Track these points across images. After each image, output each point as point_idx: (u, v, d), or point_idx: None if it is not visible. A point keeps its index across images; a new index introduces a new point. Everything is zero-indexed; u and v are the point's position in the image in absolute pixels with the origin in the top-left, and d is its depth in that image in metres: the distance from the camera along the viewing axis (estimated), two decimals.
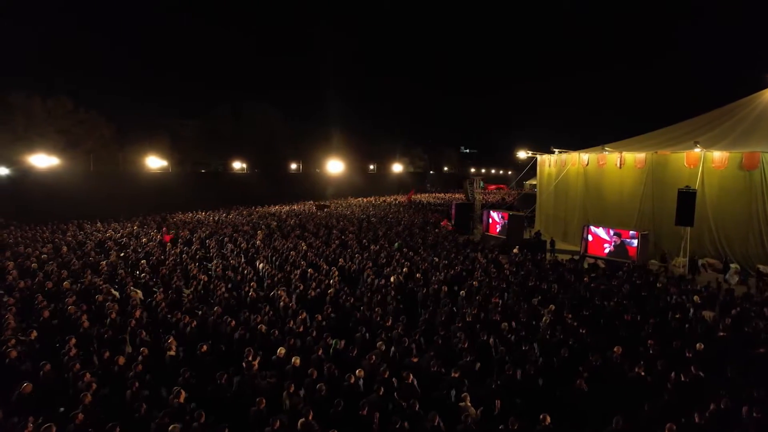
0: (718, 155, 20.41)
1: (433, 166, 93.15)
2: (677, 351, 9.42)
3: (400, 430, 6.59)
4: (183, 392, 7.27)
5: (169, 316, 11.51)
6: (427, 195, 62.61)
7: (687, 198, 18.29)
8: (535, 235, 25.32)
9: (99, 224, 26.57)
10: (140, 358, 8.73)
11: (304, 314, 11.37)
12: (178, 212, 33.16)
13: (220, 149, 53.13)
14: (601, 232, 21.06)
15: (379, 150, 73.87)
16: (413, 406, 7.15)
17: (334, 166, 57.11)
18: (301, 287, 13.88)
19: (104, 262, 16.75)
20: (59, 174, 33.81)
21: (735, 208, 20.12)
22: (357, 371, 8.19)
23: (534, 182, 38.76)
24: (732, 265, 18.93)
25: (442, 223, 30.96)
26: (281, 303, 12.45)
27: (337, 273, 15.90)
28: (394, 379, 8.11)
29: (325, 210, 37.86)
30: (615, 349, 9.22)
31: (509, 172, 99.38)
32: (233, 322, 10.78)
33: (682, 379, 8.06)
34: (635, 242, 19.61)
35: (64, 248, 19.20)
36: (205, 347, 9.20)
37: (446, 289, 13.93)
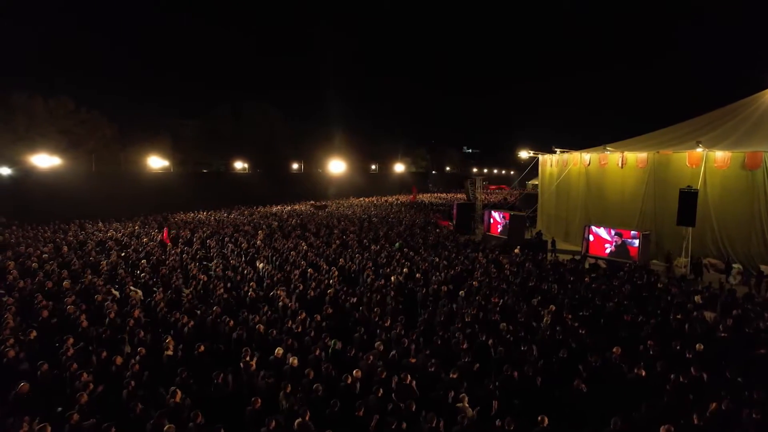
0: (720, 155, 20.30)
1: (435, 166, 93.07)
2: (677, 352, 9.36)
3: (397, 431, 6.55)
4: (179, 392, 7.25)
5: (168, 315, 11.51)
6: (429, 195, 62.59)
7: (689, 198, 18.20)
8: (537, 235, 25.27)
9: (100, 224, 26.61)
10: (138, 357, 8.72)
11: (304, 314, 11.35)
12: (179, 212, 33.20)
13: (221, 149, 53.18)
14: (602, 232, 20.98)
15: (381, 150, 73.82)
16: (410, 406, 7.11)
17: (336, 166, 57.10)
18: (301, 287, 13.86)
19: (104, 262, 16.77)
20: (61, 174, 33.92)
21: (737, 207, 20.01)
22: (354, 372, 8.16)
23: (536, 182, 38.63)
24: (734, 266, 18.84)
25: (441, 223, 30.93)
26: (280, 303, 12.43)
27: (336, 273, 15.88)
28: (392, 379, 8.07)
29: (327, 210, 37.82)
30: (614, 350, 9.17)
31: (511, 172, 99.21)
32: (231, 322, 10.76)
33: (682, 380, 8.00)
34: (636, 242, 19.53)
35: (65, 248, 19.23)
36: (202, 347, 9.17)
37: (446, 289, 13.89)
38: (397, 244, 21.50)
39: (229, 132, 53.81)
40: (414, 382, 8.04)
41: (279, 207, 40.91)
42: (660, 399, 7.58)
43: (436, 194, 64.92)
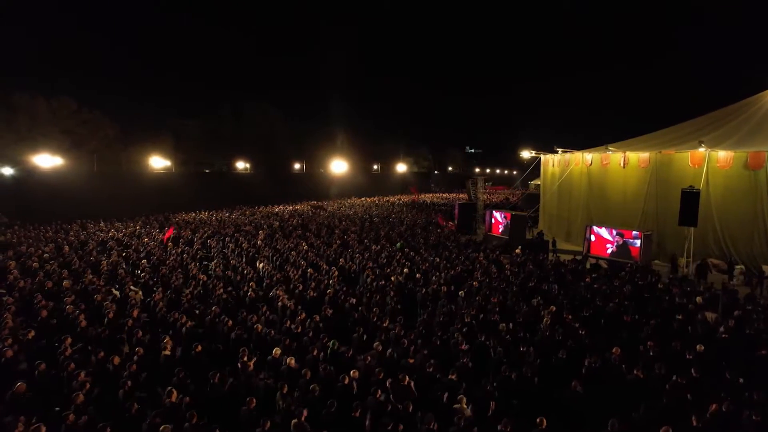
0: (722, 155, 20.19)
1: (437, 166, 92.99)
2: (677, 353, 9.29)
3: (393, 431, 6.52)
4: (175, 392, 7.23)
5: (167, 315, 11.50)
6: (431, 195, 62.52)
7: (690, 198, 18.09)
8: (538, 235, 25.19)
9: (102, 224, 26.65)
10: (135, 357, 8.70)
11: (304, 315, 11.32)
12: (181, 212, 33.24)
13: (223, 149, 53.26)
14: (603, 232, 20.89)
15: (383, 150, 73.82)
16: (407, 407, 7.06)
17: (338, 166, 57.10)
18: (300, 287, 13.83)
19: (105, 262, 16.79)
20: (63, 174, 34.02)
21: (740, 207, 19.90)
22: (352, 372, 8.12)
23: (538, 182, 38.53)
24: (737, 266, 18.74)
25: (443, 223, 30.86)
26: (279, 303, 12.41)
27: (336, 273, 15.86)
28: (389, 381, 8.03)
29: (323, 210, 37.75)
30: (614, 351, 9.11)
31: (514, 172, 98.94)
32: (230, 322, 10.74)
33: (681, 381, 7.93)
34: (638, 242, 19.44)
35: (66, 248, 19.26)
36: (200, 347, 9.15)
37: (446, 289, 13.84)
38: (398, 245, 21.47)
39: (231, 132, 53.90)
40: (412, 383, 8.00)
41: (281, 207, 40.93)
42: (659, 400, 7.52)
43: (438, 194, 64.84)
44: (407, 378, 7.96)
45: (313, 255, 18.87)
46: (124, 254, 18.59)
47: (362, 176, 62.82)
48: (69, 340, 9.33)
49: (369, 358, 8.90)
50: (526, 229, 26.16)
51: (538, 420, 6.77)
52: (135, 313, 11.40)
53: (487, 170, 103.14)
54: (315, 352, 9.08)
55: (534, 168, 34.73)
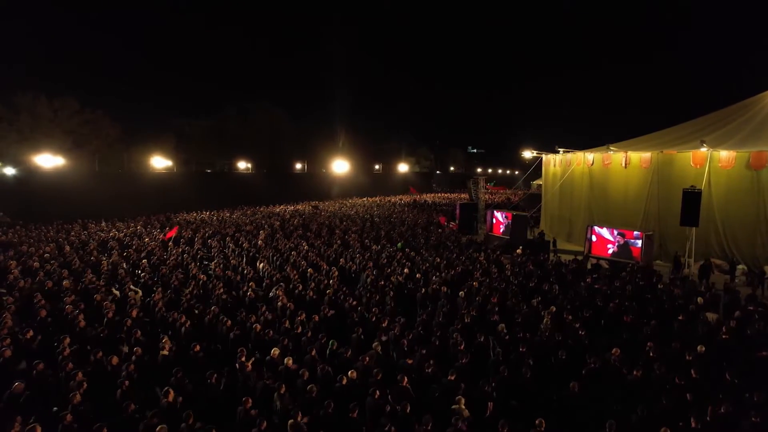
0: (725, 154, 20.10)
1: (439, 165, 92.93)
2: (677, 353, 9.23)
3: None
4: (172, 392, 7.22)
5: (166, 315, 11.49)
6: (432, 195, 62.45)
7: (692, 198, 18.02)
8: (539, 235, 25.13)
9: (103, 224, 26.69)
10: (133, 357, 8.70)
11: (303, 315, 11.30)
12: (182, 212, 33.28)
13: (225, 149, 53.29)
14: (604, 232, 20.82)
15: (385, 150, 73.82)
16: (404, 408, 7.03)
17: (340, 166, 57.09)
18: (300, 287, 13.81)
19: (105, 262, 16.80)
20: (65, 174, 34.09)
21: (742, 208, 19.80)
22: (350, 372, 8.10)
23: (540, 182, 38.44)
24: (739, 266, 18.64)
25: (444, 223, 30.82)
26: (279, 303, 12.39)
27: (336, 273, 15.83)
28: (388, 380, 8.00)
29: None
30: (613, 352, 9.06)
31: (516, 172, 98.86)
32: (229, 322, 10.73)
33: (680, 382, 7.88)
34: (639, 243, 19.36)
35: (67, 247, 19.29)
36: (197, 347, 9.14)
37: (446, 289, 13.80)
38: (399, 245, 21.44)
39: (233, 132, 53.96)
40: (410, 384, 7.97)
41: (282, 207, 40.94)
42: (657, 402, 7.47)
43: (440, 194, 64.76)
44: (405, 379, 7.94)
45: (313, 255, 18.85)
46: (124, 254, 18.62)
47: (364, 176, 62.81)
48: (68, 340, 9.32)
49: (367, 358, 8.86)
50: (528, 229, 26.07)
51: (537, 422, 6.73)
52: (134, 313, 11.40)
53: (489, 170, 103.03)
54: (313, 353, 9.05)
55: (536, 168, 34.67)
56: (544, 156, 32.17)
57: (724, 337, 10.11)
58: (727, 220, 20.21)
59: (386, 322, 10.88)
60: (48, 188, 31.01)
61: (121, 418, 6.76)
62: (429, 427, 6.60)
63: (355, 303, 12.61)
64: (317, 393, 7.44)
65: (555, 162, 30.70)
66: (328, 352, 9.48)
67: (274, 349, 9.08)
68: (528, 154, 35.33)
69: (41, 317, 10.90)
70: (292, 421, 6.53)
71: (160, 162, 43.38)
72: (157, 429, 6.24)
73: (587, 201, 26.31)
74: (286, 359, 8.53)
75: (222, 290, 13.38)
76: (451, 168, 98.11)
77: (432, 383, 8.18)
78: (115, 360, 8.55)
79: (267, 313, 11.58)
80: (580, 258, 19.22)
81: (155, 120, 52.15)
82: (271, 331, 10.30)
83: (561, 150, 28.83)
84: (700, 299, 12.78)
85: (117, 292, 13.46)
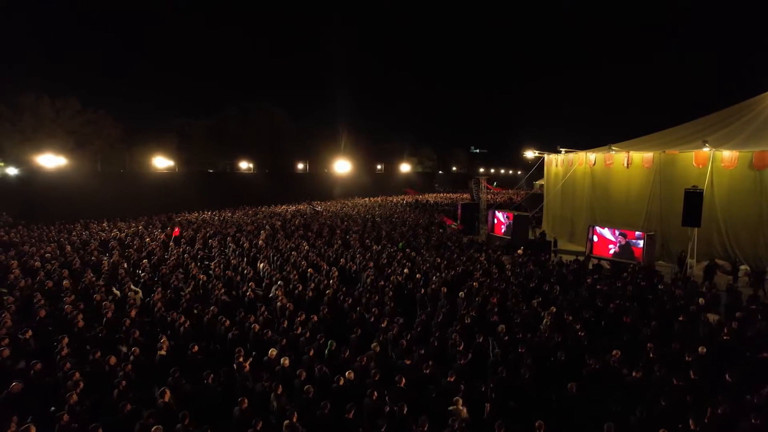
0: (727, 154, 19.99)
1: (441, 165, 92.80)
2: (677, 354, 9.17)
3: None
4: (168, 392, 7.20)
5: (165, 315, 11.49)
6: (434, 195, 62.39)
7: (694, 198, 17.90)
8: (540, 235, 25.05)
9: (105, 224, 26.74)
10: (131, 357, 8.69)
11: (303, 316, 11.27)
12: (184, 212, 33.32)
13: (227, 149, 53.35)
14: (606, 232, 20.74)
15: (387, 150, 73.76)
16: (401, 409, 7.00)
17: (342, 166, 57.08)
18: (300, 287, 13.79)
19: (106, 261, 16.82)
20: (67, 174, 34.19)
21: (745, 208, 19.67)
22: (347, 373, 8.07)
23: (543, 182, 38.32)
24: (741, 267, 18.53)
25: (448, 222, 30.79)
26: (278, 303, 12.37)
27: (336, 273, 15.80)
28: (386, 381, 7.97)
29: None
30: (613, 353, 9.01)
31: (518, 172, 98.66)
32: (228, 322, 10.71)
33: (679, 383, 7.82)
34: (641, 243, 19.27)
35: (68, 247, 19.33)
36: (196, 347, 9.13)
37: (445, 289, 13.76)
38: (399, 245, 21.41)
39: (234, 132, 54.00)
40: (407, 385, 7.93)
41: (283, 207, 40.97)
42: (656, 403, 7.42)
43: (442, 194, 64.69)
44: (403, 380, 7.90)
45: (314, 255, 18.83)
46: (125, 254, 18.64)
47: (366, 176, 62.81)
48: (66, 339, 9.33)
49: (365, 359, 8.83)
50: (529, 230, 26.00)
51: (536, 424, 6.67)
52: (133, 313, 11.40)
53: (492, 170, 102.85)
54: (311, 353, 9.02)
55: (538, 168, 34.56)
56: (546, 156, 32.06)
57: (724, 338, 10.04)
58: (730, 221, 20.09)
59: (385, 323, 10.85)
60: (50, 188, 31.12)
61: (118, 418, 6.75)
62: (425, 428, 6.57)
63: (354, 303, 12.59)
64: (314, 393, 7.41)
65: (557, 162, 30.59)
66: (326, 352, 9.46)
67: (272, 349, 9.07)
68: (530, 154, 35.22)
69: (40, 317, 10.92)
70: (287, 421, 6.50)
71: (161, 162, 43.48)
72: (153, 429, 6.22)
73: (589, 201, 26.21)
74: (282, 359, 8.50)
75: (222, 290, 13.37)
76: (454, 168, 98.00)
77: (430, 384, 8.15)
78: (112, 360, 8.55)
79: (266, 313, 11.57)
80: (581, 258, 19.16)
81: (156, 120, 52.43)
82: (269, 332, 10.29)
83: (563, 150, 28.74)
84: (701, 300, 12.70)
85: (117, 292, 13.48)
